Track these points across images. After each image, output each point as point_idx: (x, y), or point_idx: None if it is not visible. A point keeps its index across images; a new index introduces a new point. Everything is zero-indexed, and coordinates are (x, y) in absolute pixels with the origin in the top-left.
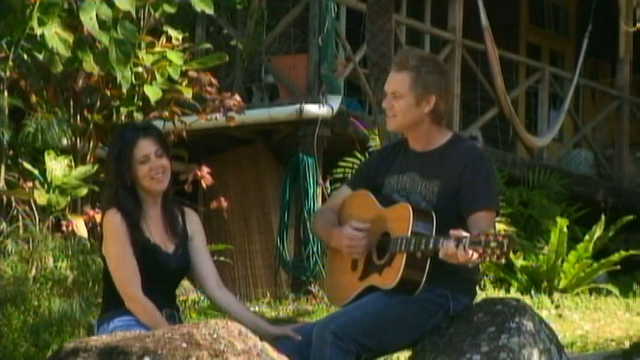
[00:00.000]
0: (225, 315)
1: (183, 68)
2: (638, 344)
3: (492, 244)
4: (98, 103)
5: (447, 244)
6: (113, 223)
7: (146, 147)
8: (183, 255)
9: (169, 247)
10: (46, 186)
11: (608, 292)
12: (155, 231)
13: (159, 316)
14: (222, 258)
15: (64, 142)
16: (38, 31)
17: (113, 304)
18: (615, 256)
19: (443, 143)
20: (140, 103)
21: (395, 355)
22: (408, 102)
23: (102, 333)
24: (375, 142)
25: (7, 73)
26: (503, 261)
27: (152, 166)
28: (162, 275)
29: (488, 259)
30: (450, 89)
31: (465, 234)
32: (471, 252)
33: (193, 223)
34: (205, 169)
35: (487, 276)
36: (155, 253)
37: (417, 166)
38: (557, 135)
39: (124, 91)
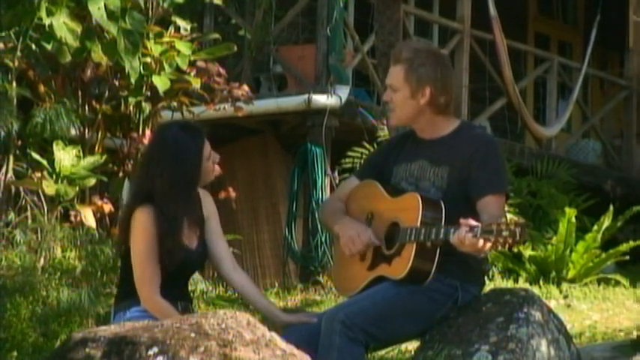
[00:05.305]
0: (234, 305)
1: (192, 58)
2: None
3: (505, 234)
4: (106, 93)
5: (459, 233)
6: (145, 221)
7: (207, 144)
8: (204, 248)
9: (193, 243)
10: (54, 176)
11: (617, 283)
12: (182, 227)
13: (173, 314)
14: (230, 248)
15: (73, 132)
16: (46, 21)
17: (131, 293)
18: (624, 246)
19: (451, 130)
20: (148, 94)
21: (403, 345)
22: (404, 94)
23: (118, 321)
24: (383, 133)
25: (16, 64)
26: (514, 249)
27: (214, 160)
28: (184, 271)
29: (500, 247)
30: (449, 79)
31: (475, 223)
32: (482, 241)
33: (208, 204)
34: None
35: (495, 266)
36: (182, 253)
37: (425, 154)
38: (565, 125)
39: (133, 81)
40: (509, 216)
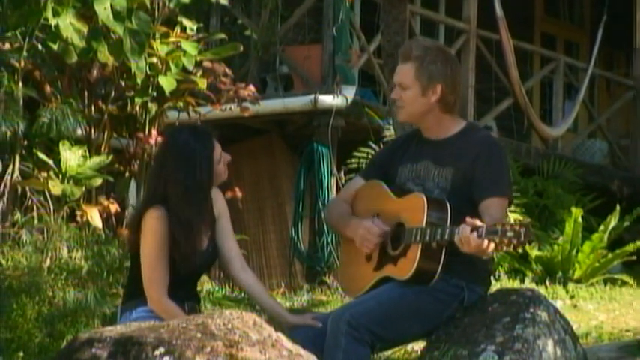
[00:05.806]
0: (240, 305)
1: (198, 58)
2: None
3: (509, 234)
4: (113, 93)
5: (464, 233)
6: (156, 223)
7: (218, 147)
8: (214, 248)
9: (204, 243)
10: (60, 176)
11: (623, 283)
12: (196, 231)
13: (180, 316)
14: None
15: (79, 132)
16: (53, 22)
17: (139, 293)
18: (630, 246)
19: (457, 132)
20: (154, 94)
21: (409, 345)
22: (414, 92)
23: (125, 321)
24: (389, 133)
25: (22, 64)
26: (520, 250)
27: (224, 162)
28: (193, 272)
29: (505, 248)
30: (458, 77)
31: (480, 224)
32: (487, 241)
33: (219, 203)
34: None
35: (501, 266)
36: (196, 258)
37: (430, 154)
38: (571, 125)
39: (139, 81)
40: (514, 216)
